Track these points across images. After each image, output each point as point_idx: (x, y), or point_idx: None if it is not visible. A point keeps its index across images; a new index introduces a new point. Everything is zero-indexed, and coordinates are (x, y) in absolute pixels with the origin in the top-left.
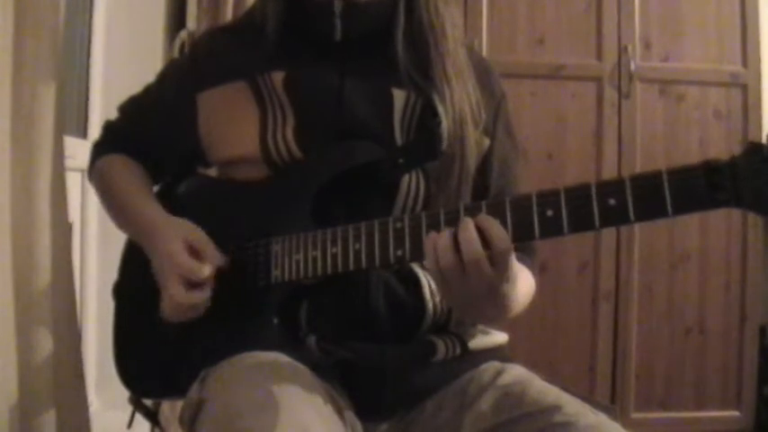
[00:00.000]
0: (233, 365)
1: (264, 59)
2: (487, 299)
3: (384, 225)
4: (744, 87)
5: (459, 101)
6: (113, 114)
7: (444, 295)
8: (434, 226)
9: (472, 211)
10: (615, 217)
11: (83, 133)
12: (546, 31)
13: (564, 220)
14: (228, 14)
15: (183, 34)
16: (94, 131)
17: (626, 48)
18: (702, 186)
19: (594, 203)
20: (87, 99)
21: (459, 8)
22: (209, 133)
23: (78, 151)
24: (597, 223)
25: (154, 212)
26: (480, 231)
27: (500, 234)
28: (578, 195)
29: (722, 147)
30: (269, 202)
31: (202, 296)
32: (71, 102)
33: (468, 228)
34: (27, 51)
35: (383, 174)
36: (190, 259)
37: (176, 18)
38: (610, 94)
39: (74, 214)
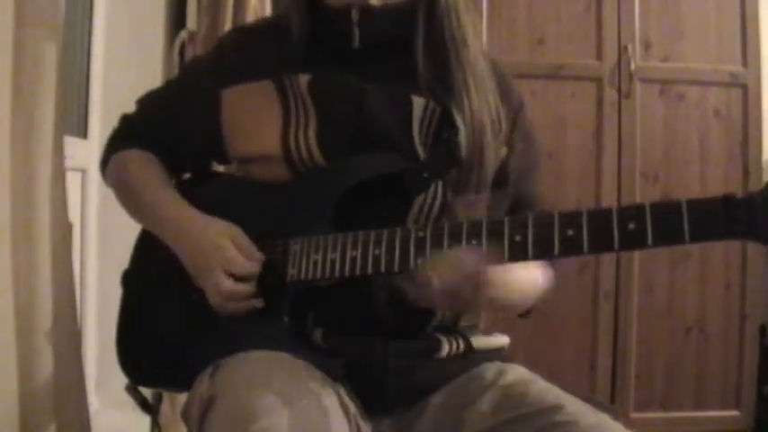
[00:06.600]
0: (245, 361)
1: (290, 62)
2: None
3: (406, 233)
4: (744, 87)
5: (478, 111)
6: (113, 114)
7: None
8: (456, 236)
9: (494, 226)
10: (634, 240)
11: (83, 133)
12: (546, 31)
13: (584, 239)
14: (228, 14)
15: (182, 34)
16: (94, 131)
17: (626, 48)
18: (720, 217)
19: (615, 226)
20: (87, 99)
21: None
22: (232, 128)
23: (78, 151)
24: (616, 245)
25: (186, 209)
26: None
27: (469, 258)
28: (599, 218)
29: (722, 146)
30: (290, 206)
31: (248, 289)
32: (71, 102)
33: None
34: (27, 51)
35: (408, 187)
36: (239, 255)
37: (176, 18)
38: (610, 94)
39: (74, 214)
